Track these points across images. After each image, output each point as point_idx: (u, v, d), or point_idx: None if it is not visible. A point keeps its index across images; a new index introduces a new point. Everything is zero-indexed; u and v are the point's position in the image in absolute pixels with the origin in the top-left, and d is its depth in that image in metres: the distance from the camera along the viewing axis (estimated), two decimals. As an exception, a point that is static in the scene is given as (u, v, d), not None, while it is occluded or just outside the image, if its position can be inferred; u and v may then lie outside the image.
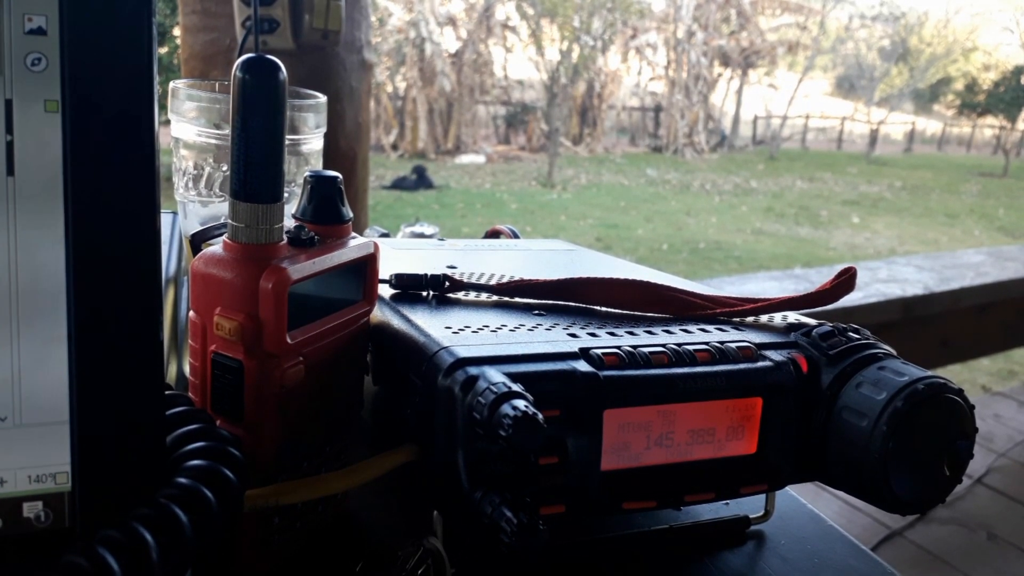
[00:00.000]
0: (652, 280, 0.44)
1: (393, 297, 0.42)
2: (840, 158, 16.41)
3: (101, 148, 0.24)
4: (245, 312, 0.32)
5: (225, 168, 0.50)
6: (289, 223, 0.35)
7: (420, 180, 8.91)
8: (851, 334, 0.40)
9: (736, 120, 17.78)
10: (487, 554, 0.37)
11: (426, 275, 0.43)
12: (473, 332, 0.37)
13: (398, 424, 0.37)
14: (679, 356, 0.36)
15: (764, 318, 0.44)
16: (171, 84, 0.50)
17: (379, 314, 0.40)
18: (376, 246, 0.38)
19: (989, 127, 22.46)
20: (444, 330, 0.37)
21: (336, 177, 0.37)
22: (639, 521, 0.41)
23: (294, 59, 1.24)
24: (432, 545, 0.34)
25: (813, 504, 0.46)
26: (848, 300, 0.59)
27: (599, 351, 0.35)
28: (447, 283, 0.43)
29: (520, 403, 0.29)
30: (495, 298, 0.44)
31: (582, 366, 0.34)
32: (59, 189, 0.24)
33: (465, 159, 12.20)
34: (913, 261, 2.55)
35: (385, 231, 0.68)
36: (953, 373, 3.39)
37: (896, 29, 20.17)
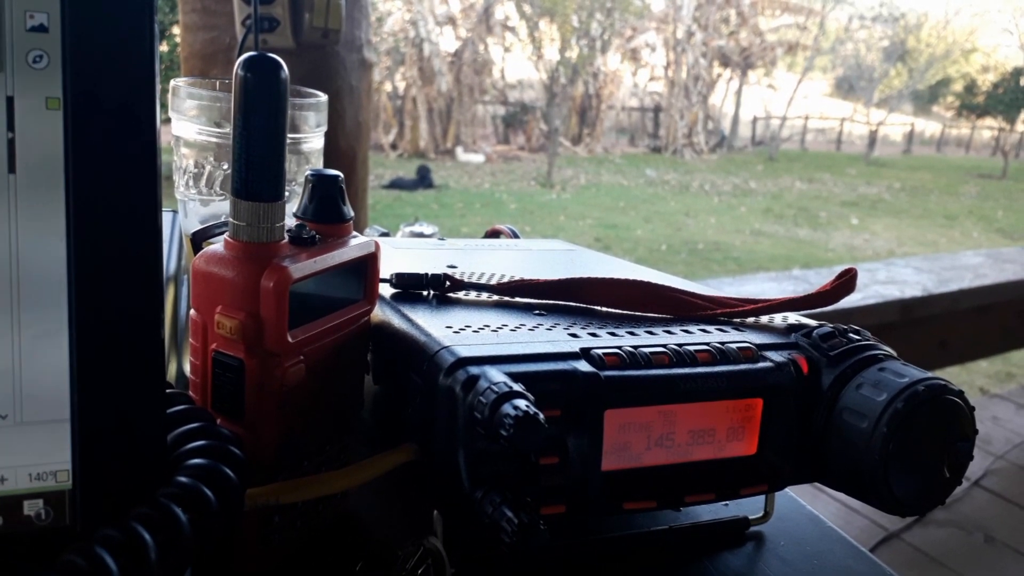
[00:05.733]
0: (652, 280, 0.44)
1: (394, 296, 0.42)
2: (839, 159, 16.42)
3: (102, 146, 0.24)
4: (246, 311, 0.32)
5: (226, 166, 0.50)
6: (290, 222, 0.35)
7: (420, 180, 8.90)
8: (852, 335, 0.40)
9: (735, 121, 17.79)
10: (487, 554, 0.37)
11: (427, 274, 0.43)
12: (474, 332, 0.37)
13: (398, 424, 0.37)
14: (680, 356, 0.36)
15: (764, 319, 0.44)
16: (172, 82, 0.50)
17: (380, 313, 0.40)
18: (377, 245, 0.38)
19: (988, 128, 22.50)
20: (445, 329, 0.37)
21: (337, 176, 0.37)
22: (639, 521, 0.41)
23: (294, 58, 1.24)
24: (432, 545, 0.34)
25: (812, 505, 0.46)
26: (847, 301, 0.59)
27: (600, 351, 0.35)
28: (448, 282, 0.43)
29: (521, 403, 0.29)
30: (496, 298, 0.44)
31: (583, 366, 0.34)
32: (60, 187, 0.24)
33: (464, 159, 12.19)
34: (912, 263, 2.55)
35: (385, 230, 0.68)
36: (951, 375, 3.39)
37: (896, 30, 20.20)
